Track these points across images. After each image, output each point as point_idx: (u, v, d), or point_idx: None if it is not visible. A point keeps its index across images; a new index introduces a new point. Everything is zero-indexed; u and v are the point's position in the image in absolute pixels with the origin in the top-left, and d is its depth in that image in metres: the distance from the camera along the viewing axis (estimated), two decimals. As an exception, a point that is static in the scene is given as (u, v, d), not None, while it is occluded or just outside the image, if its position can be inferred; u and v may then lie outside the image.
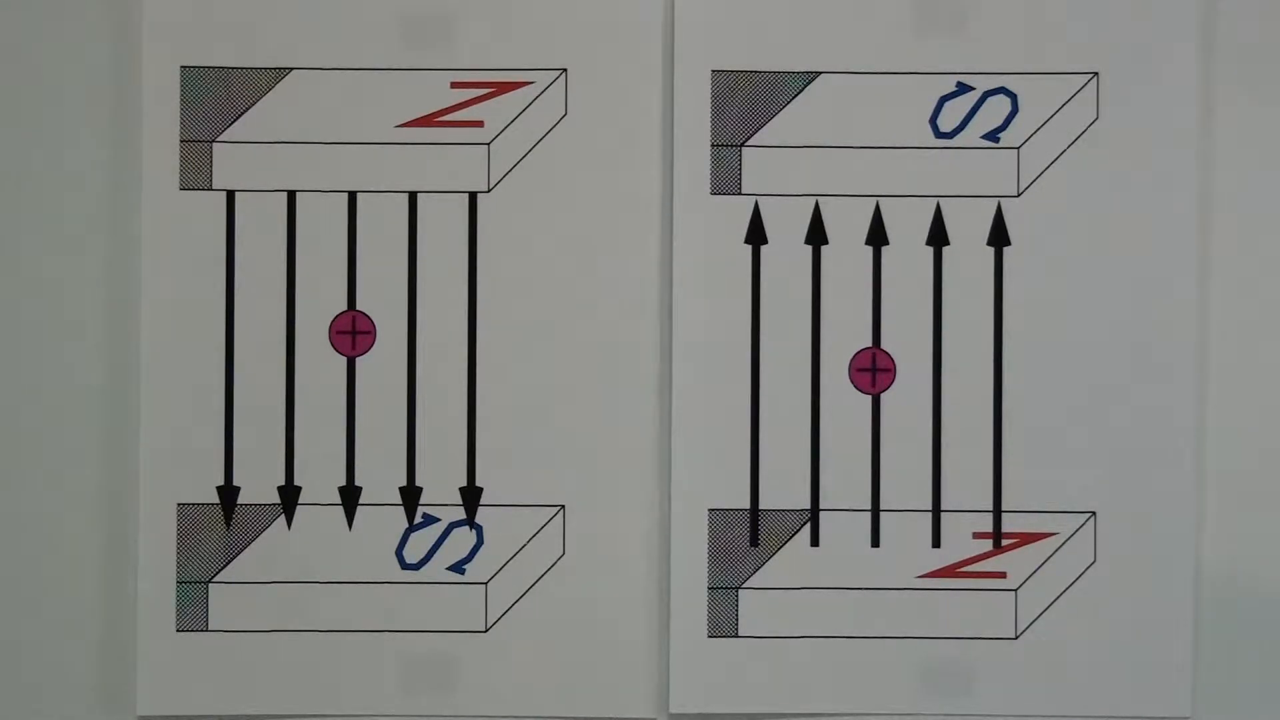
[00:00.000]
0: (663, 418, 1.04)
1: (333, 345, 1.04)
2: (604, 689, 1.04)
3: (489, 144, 1.04)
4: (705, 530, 1.04)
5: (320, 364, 1.04)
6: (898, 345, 1.04)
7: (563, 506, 1.04)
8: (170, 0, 1.04)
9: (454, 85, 1.04)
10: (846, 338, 1.04)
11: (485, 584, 1.05)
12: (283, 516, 1.04)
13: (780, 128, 1.04)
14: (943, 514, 1.04)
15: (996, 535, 1.04)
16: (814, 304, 1.05)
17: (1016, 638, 1.04)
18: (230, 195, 1.04)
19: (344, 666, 1.04)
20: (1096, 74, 1.04)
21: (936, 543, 1.04)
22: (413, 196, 1.04)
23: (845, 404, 1.04)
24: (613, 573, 1.04)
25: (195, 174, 1.04)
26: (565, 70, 1.04)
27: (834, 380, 1.04)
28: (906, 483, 1.04)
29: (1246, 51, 1.06)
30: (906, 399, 1.04)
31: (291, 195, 1.04)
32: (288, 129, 1.04)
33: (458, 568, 1.05)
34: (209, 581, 1.04)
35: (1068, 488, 1.04)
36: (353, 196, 1.04)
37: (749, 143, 1.04)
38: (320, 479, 1.04)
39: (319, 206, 1.04)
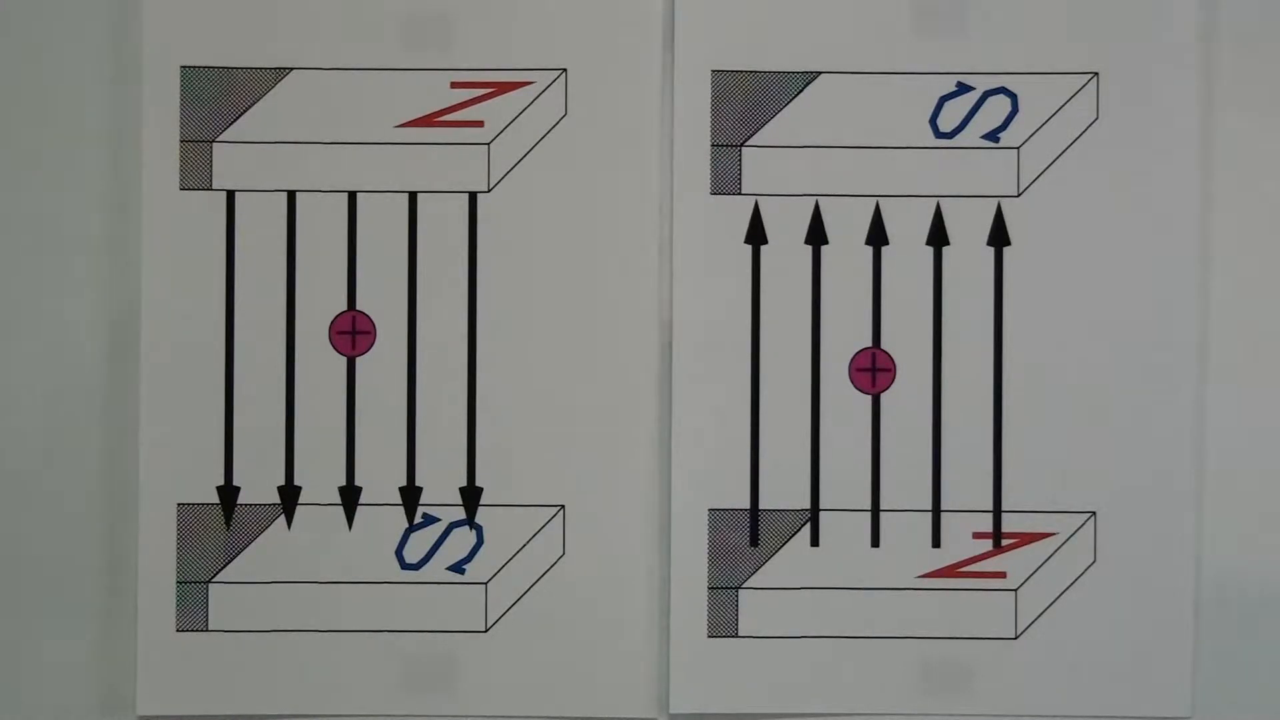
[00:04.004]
0: (663, 418, 1.04)
1: (333, 345, 1.04)
2: (604, 689, 1.04)
3: (489, 144, 1.04)
4: (705, 530, 1.04)
5: (320, 364, 1.04)
6: (898, 345, 1.04)
7: (563, 506, 1.04)
8: (170, 0, 1.04)
9: (454, 85, 1.04)
10: (846, 338, 1.04)
11: (485, 584, 1.05)
12: (283, 516, 1.04)
13: (780, 128, 1.04)
14: (943, 514, 1.04)
15: (996, 535, 1.04)
16: (814, 304, 1.04)
17: (1016, 638, 1.04)
18: (230, 195, 1.04)
19: (344, 666, 1.04)
20: (1096, 74, 1.04)
21: (936, 543, 1.04)
22: (413, 196, 1.04)
23: (845, 404, 1.04)
24: (613, 573, 1.04)
25: (195, 174, 1.04)
26: (565, 70, 1.04)
27: (834, 380, 1.04)
28: (906, 483, 1.04)
29: (1246, 51, 1.06)
30: (906, 399, 1.04)
31: (291, 195, 1.04)
32: (288, 129, 1.04)
33: (458, 568, 1.05)
34: (209, 582, 1.04)
35: (1068, 488, 1.04)
36: (353, 196, 1.04)
37: (749, 143, 1.04)
38: (320, 479, 1.04)
39: (319, 206, 1.04)
